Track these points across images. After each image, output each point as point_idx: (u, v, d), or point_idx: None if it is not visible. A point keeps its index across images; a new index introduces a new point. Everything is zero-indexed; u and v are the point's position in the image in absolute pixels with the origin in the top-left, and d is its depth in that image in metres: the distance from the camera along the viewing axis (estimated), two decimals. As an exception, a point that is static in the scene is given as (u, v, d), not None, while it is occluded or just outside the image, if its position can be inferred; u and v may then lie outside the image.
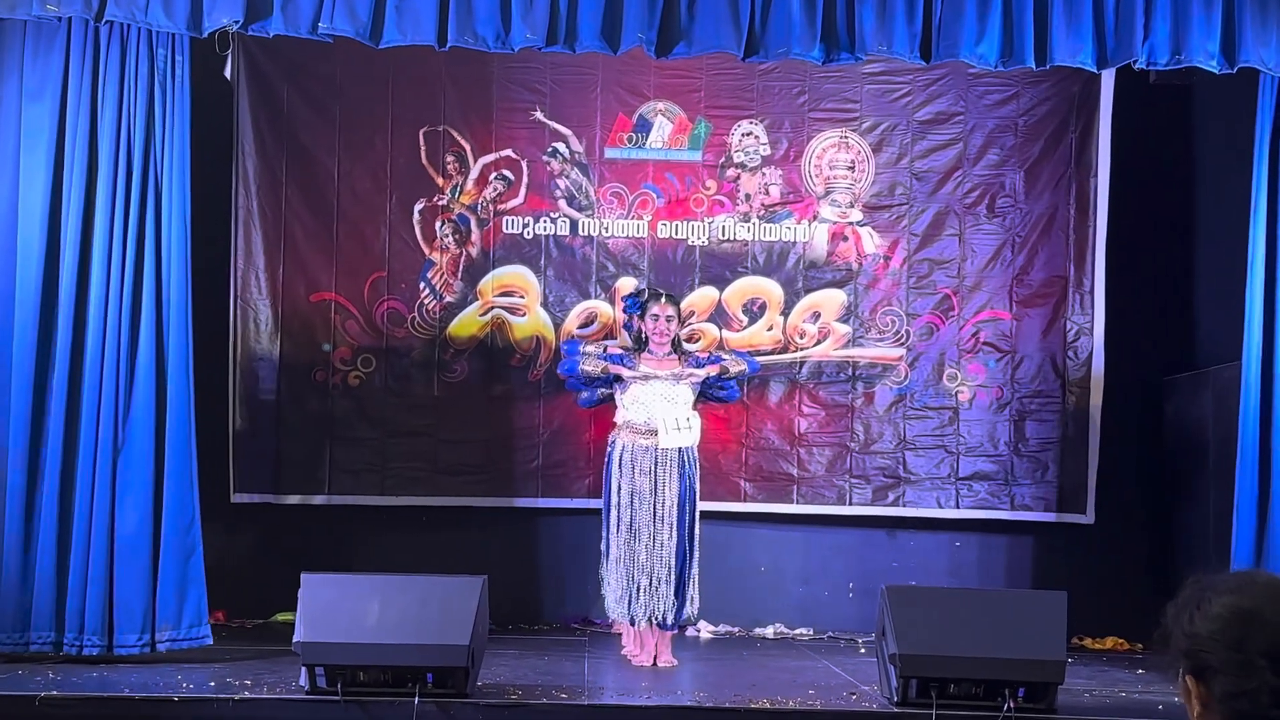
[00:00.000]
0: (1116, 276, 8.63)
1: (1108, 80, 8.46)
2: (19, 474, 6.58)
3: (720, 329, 8.68)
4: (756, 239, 8.74)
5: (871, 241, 8.76)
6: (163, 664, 6.47)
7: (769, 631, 8.55)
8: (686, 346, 7.60)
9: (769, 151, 8.75)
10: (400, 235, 8.65)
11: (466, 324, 8.67)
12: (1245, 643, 1.88)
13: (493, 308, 8.67)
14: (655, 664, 7.03)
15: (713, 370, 7.23)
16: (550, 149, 8.70)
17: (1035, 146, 8.71)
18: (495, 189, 8.68)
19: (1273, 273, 6.80)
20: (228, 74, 8.20)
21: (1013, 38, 6.54)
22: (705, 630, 8.39)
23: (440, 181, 8.67)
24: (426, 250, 8.66)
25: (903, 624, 5.83)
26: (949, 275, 8.73)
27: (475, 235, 8.68)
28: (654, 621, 7.04)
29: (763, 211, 8.75)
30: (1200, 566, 7.22)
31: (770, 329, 8.72)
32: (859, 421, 8.72)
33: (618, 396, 7.18)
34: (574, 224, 8.71)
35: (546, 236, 8.70)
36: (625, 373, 7.12)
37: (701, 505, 7.30)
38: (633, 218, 8.71)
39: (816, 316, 8.73)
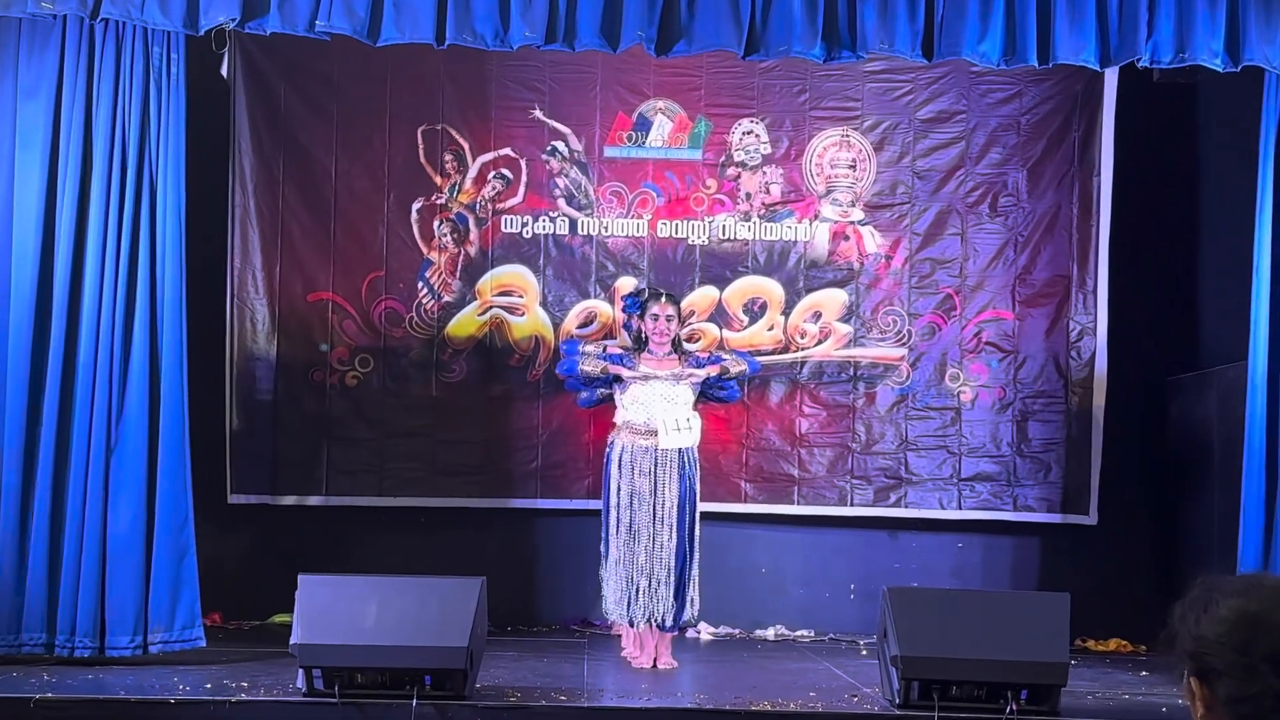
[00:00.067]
0: (1120, 276, 8.61)
1: (1111, 78, 8.43)
2: (14, 474, 6.56)
3: (721, 329, 8.65)
4: (757, 238, 8.71)
5: (873, 241, 8.72)
6: (159, 666, 6.46)
7: (770, 633, 8.52)
8: (687, 346, 7.58)
9: (770, 150, 8.72)
10: (398, 234, 8.62)
11: (465, 324, 8.64)
12: (1250, 646, 1.86)
13: (491, 307, 8.64)
14: (655, 666, 7.01)
15: (713, 370, 7.20)
16: (549, 148, 8.66)
17: (1038, 145, 8.68)
18: (494, 188, 8.65)
19: (1279, 272, 6.75)
20: (224, 72, 8.20)
21: (1015, 36, 6.53)
22: (705, 632, 8.37)
23: (438, 180, 8.64)
24: (425, 249, 8.63)
25: (904, 626, 5.81)
26: (951, 275, 8.70)
27: (474, 234, 8.65)
28: (654, 623, 7.01)
29: (763, 211, 8.72)
30: (1204, 568, 7.26)
31: (771, 329, 8.69)
32: (860, 422, 8.68)
33: (617, 397, 7.15)
34: (573, 223, 8.68)
35: (545, 236, 8.67)
36: (625, 373, 7.09)
37: (702, 506, 7.27)
38: (632, 217, 8.68)
39: (818, 316, 8.70)
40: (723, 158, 8.71)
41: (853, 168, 8.72)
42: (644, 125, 8.70)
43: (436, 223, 8.63)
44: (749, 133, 8.71)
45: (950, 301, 8.71)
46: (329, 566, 6.88)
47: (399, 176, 8.63)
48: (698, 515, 7.15)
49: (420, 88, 8.60)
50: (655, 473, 7.01)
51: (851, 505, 8.67)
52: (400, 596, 5.84)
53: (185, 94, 6.79)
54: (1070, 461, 8.60)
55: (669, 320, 7.15)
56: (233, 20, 6.35)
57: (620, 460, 7.04)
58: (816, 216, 8.74)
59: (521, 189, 8.66)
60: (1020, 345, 8.68)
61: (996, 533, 8.71)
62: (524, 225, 8.66)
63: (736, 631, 8.52)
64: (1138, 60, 6.60)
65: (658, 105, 8.70)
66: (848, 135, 8.73)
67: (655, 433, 7.01)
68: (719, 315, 8.67)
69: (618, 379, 7.12)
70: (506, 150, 8.67)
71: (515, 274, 8.66)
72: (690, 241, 8.70)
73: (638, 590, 6.97)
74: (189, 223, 6.85)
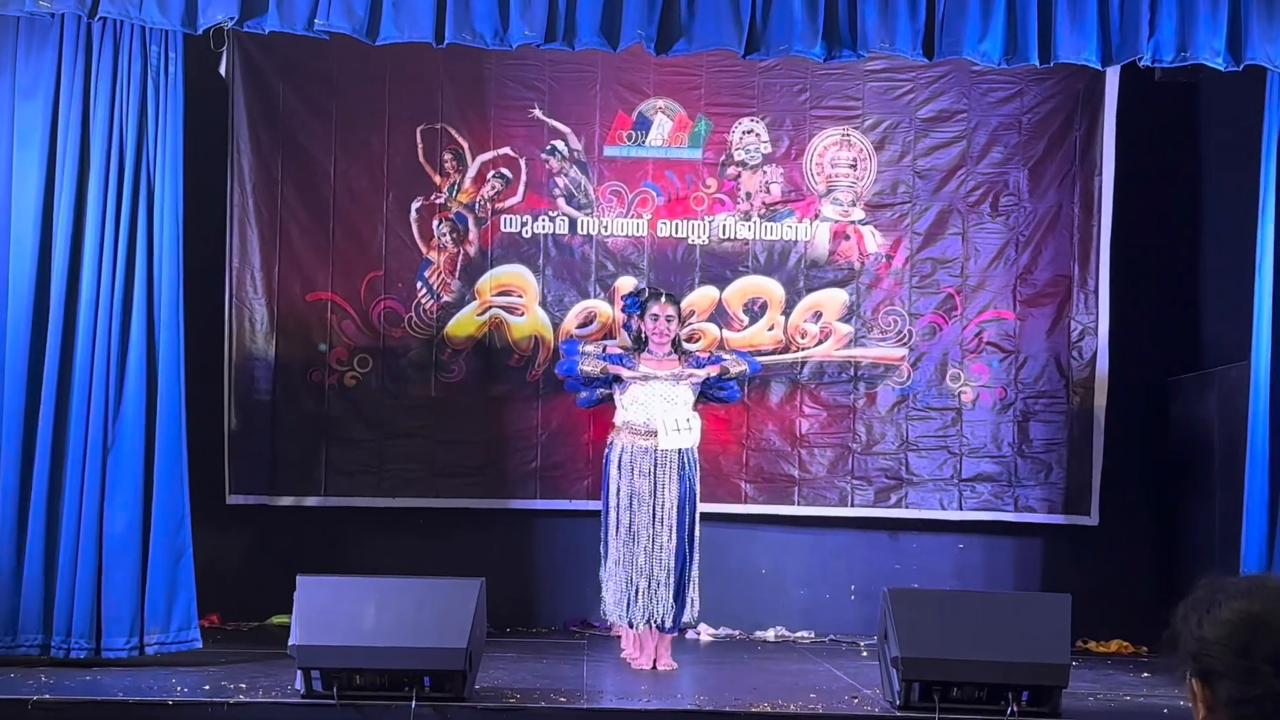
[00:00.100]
0: (1121, 276, 8.59)
1: (1113, 77, 8.42)
2: (10, 475, 6.54)
3: (721, 329, 8.63)
4: (757, 238, 8.69)
5: (874, 240, 8.70)
6: (156, 667, 6.44)
7: (770, 634, 8.51)
8: (687, 346, 7.57)
9: (770, 149, 8.70)
10: (397, 234, 8.60)
11: (464, 324, 8.61)
12: (1252, 648, 1.85)
13: (491, 307, 8.62)
14: (655, 667, 7.00)
15: (713, 371, 7.18)
16: (549, 147, 8.64)
17: (1039, 144, 8.66)
18: (493, 187, 8.62)
19: (1281, 272, 6.75)
20: (223, 71, 8.18)
21: (1016, 34, 6.51)
22: (705, 633, 8.36)
23: (438, 180, 8.62)
24: (424, 249, 8.61)
25: (905, 627, 5.80)
26: (952, 274, 8.68)
27: (473, 234, 8.62)
28: (653, 624, 6.99)
29: (764, 210, 8.70)
30: (1206, 569, 7.23)
31: (771, 329, 8.67)
32: (861, 422, 8.66)
33: (617, 397, 7.13)
34: (573, 223, 8.65)
35: (545, 235, 8.65)
36: (624, 373, 7.08)
37: (702, 507, 7.26)
38: (632, 216, 8.66)
39: (818, 316, 8.68)
40: (723, 157, 8.69)
41: (853, 167, 8.71)
42: (644, 124, 8.68)
43: (436, 222, 8.61)
44: (749, 132, 8.69)
45: (951, 301, 8.69)
46: (327, 567, 6.84)
47: (398, 176, 8.61)
48: (698, 516, 7.13)
49: (419, 87, 8.59)
50: (655, 473, 6.99)
51: (852, 506, 8.65)
52: (399, 598, 5.83)
53: (183, 93, 6.77)
54: (1071, 462, 8.58)
55: (669, 320, 7.13)
56: (231, 19, 6.33)
57: (620, 461, 7.02)
58: (817, 216, 8.72)
59: (521, 188, 8.64)
60: (1021, 345, 8.66)
61: (997, 534, 8.69)
62: (523, 225, 8.64)
63: (736, 633, 8.50)
64: (1139, 59, 6.59)
65: (658, 104, 8.68)
66: (848, 134, 8.71)
67: (655, 433, 6.99)
68: (719, 315, 8.65)
69: (617, 379, 7.10)
70: (506, 149, 8.65)
71: (515, 274, 8.63)
72: (690, 241, 8.68)
73: (637, 591, 6.96)
74: (187, 222, 6.83)
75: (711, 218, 8.68)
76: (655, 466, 6.99)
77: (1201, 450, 8.21)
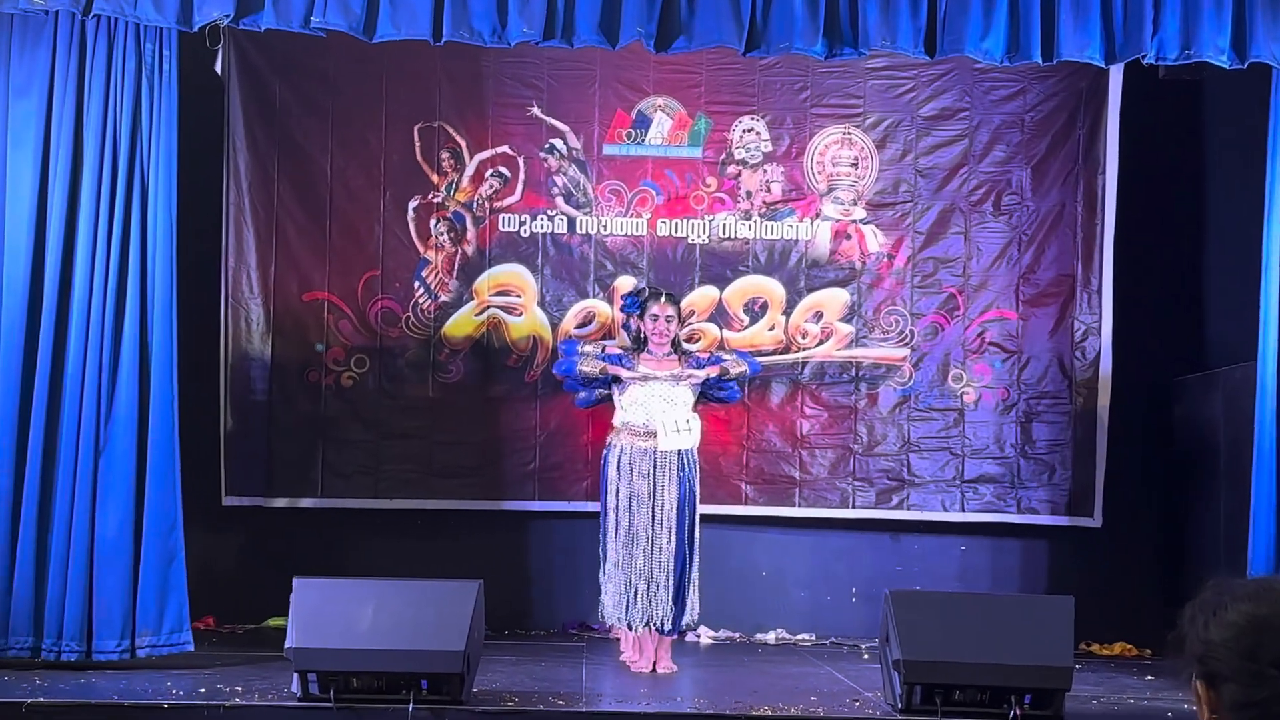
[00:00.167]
0: (1125, 275, 8.57)
1: (1116, 75, 8.39)
2: (4, 476, 6.52)
3: (721, 329, 8.59)
4: (758, 237, 8.65)
5: (875, 240, 8.67)
6: (152, 670, 6.42)
7: (770, 637, 8.49)
8: (686, 347, 7.54)
9: (770, 148, 8.67)
10: (394, 233, 8.56)
11: (462, 324, 8.58)
12: (1258, 652, 1.82)
13: (489, 307, 8.58)
14: (654, 670, 6.98)
15: (713, 371, 7.16)
16: (547, 145, 8.60)
17: (1042, 143, 8.63)
18: (491, 186, 8.59)
19: (1287, 271, 6.71)
20: (218, 69, 8.14)
21: (1019, 32, 6.49)
22: (705, 636, 8.35)
23: (435, 178, 8.58)
24: (421, 248, 8.57)
25: (907, 629, 5.78)
26: (954, 274, 8.65)
27: (471, 233, 8.59)
28: (653, 627, 6.96)
29: (764, 209, 8.66)
30: (1210, 571, 7.19)
31: (772, 329, 8.63)
32: (862, 423, 8.63)
33: (616, 398, 7.10)
34: (572, 222, 8.62)
35: (544, 235, 8.61)
36: (624, 374, 7.05)
37: (702, 508, 7.24)
38: (632, 215, 8.62)
39: (819, 316, 8.64)
40: (723, 156, 8.66)
41: (854, 166, 8.67)
42: (643, 123, 8.64)
43: (433, 221, 8.57)
44: (749, 130, 8.65)
45: (953, 301, 8.65)
46: (324, 569, 6.85)
47: (395, 175, 8.58)
48: (697, 518, 7.11)
49: (417, 85, 8.55)
50: (654, 475, 6.96)
51: (853, 507, 8.62)
52: (396, 600, 5.81)
53: (178, 91, 6.75)
54: (1075, 463, 8.55)
55: (669, 320, 7.10)
56: (227, 16, 6.30)
57: (619, 462, 6.99)
58: (818, 215, 8.68)
59: (519, 187, 8.60)
60: (1024, 345, 8.62)
61: (1000, 535, 8.66)
62: (522, 224, 8.60)
63: (737, 635, 8.48)
64: (1143, 57, 6.56)
65: (657, 102, 8.65)
66: (849, 133, 8.67)
67: (654, 434, 6.96)
68: (719, 315, 8.61)
69: (616, 380, 7.07)
70: (504, 148, 8.61)
71: (513, 273, 8.60)
72: (690, 240, 8.64)
73: (636, 594, 6.94)
74: (183, 221, 6.82)
75: (711, 217, 8.65)
76: (655, 468, 6.96)
77: (1206, 451, 8.18)
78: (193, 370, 7.40)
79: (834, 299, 8.66)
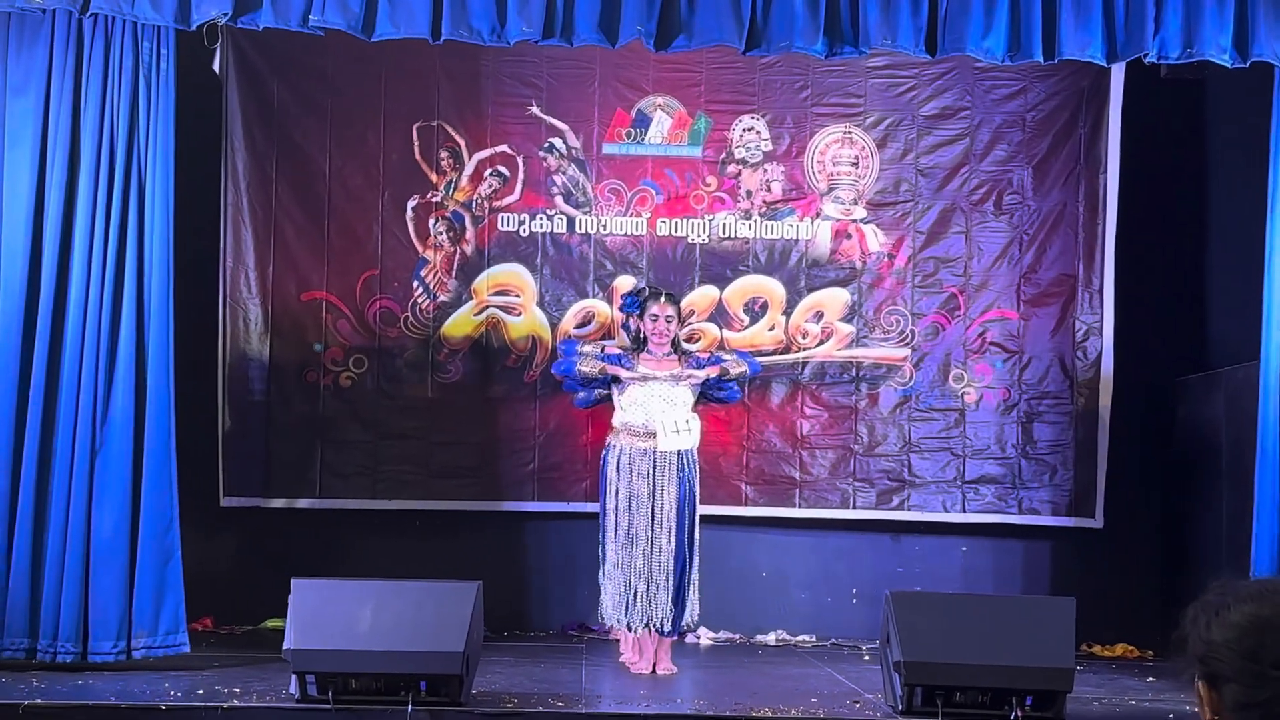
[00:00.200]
0: (1127, 275, 8.55)
1: (1118, 74, 8.37)
2: (2, 478, 6.50)
3: (721, 329, 8.57)
4: (758, 237, 8.63)
5: (876, 239, 8.64)
6: (149, 671, 6.41)
7: (771, 638, 8.47)
8: (686, 347, 7.52)
9: (771, 147, 8.64)
10: (393, 233, 8.54)
11: (461, 324, 8.55)
12: (1260, 653, 1.83)
13: (488, 307, 8.56)
14: (654, 671, 6.96)
15: (713, 372, 7.14)
16: (547, 144, 8.58)
17: (1043, 142, 8.61)
18: (490, 185, 8.56)
19: (1292, 271, 6.69)
20: (216, 68, 8.12)
21: (1020, 31, 6.48)
22: (705, 637, 8.33)
23: (434, 178, 8.56)
24: (420, 248, 8.55)
25: (907, 630, 5.77)
26: (955, 274, 8.63)
27: (470, 233, 8.57)
28: (653, 628, 6.94)
29: (764, 209, 8.64)
30: (1212, 572, 7.16)
31: (772, 329, 8.60)
32: (863, 423, 8.60)
33: (615, 398, 7.08)
34: (571, 221, 8.59)
35: (543, 234, 8.59)
36: (623, 374, 7.03)
37: (701, 509, 7.22)
38: (631, 215, 8.60)
39: (819, 316, 8.62)
40: (723, 155, 8.63)
41: (855, 165, 8.64)
42: (643, 122, 8.62)
43: (432, 221, 8.55)
44: (749, 129, 8.63)
45: (954, 301, 8.63)
46: (322, 570, 6.88)
47: (394, 174, 8.55)
48: (697, 518, 7.09)
49: (415, 84, 8.53)
50: (654, 475, 6.94)
51: (854, 508, 8.60)
52: (395, 601, 5.80)
53: (175, 90, 6.72)
54: (1076, 464, 8.53)
55: (668, 320, 7.08)
56: (225, 15, 6.28)
57: (618, 463, 6.97)
58: (818, 214, 8.66)
59: (518, 187, 8.58)
60: (1025, 345, 8.60)
61: (1001, 536, 8.64)
62: (521, 223, 8.58)
63: (737, 636, 8.46)
64: (1145, 56, 6.54)
65: (657, 101, 8.62)
66: (850, 132, 8.65)
67: (654, 435, 6.94)
68: (719, 315, 8.59)
69: (616, 380, 7.04)
70: (503, 147, 8.59)
71: (512, 273, 8.58)
72: (690, 240, 8.62)
73: (636, 595, 6.92)
74: (180, 221, 6.80)
75: (711, 216, 8.62)
76: (654, 468, 6.94)
77: (1208, 452, 8.16)
78: (190, 370, 7.38)
79: (834, 299, 8.63)
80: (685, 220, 8.61)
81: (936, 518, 8.58)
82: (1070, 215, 8.58)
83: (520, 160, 8.58)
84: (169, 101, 6.67)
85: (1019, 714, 5.64)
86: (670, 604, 6.92)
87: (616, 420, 7.07)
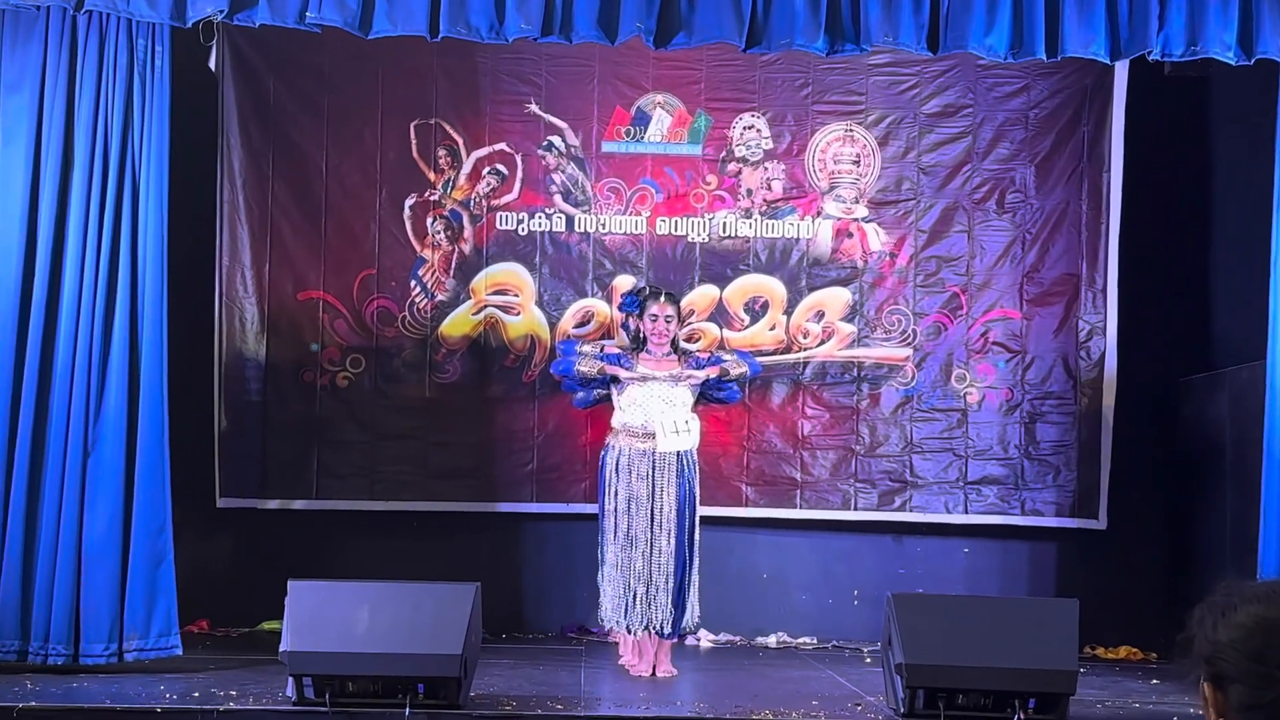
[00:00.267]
0: (1130, 274, 8.53)
1: (1121, 72, 8.35)
2: (-1, 479, 6.46)
3: (721, 328, 8.54)
4: (758, 235, 8.60)
5: (877, 238, 8.61)
6: (144, 674, 6.38)
7: (771, 640, 8.44)
8: (686, 347, 7.50)
9: (771, 145, 8.61)
10: (390, 231, 8.51)
11: (459, 323, 8.52)
12: (1266, 654, 1.83)
13: (486, 306, 8.53)
14: (654, 674, 6.95)
15: (713, 372, 7.12)
16: (545, 143, 8.55)
17: (1046, 140, 8.58)
18: (489, 184, 8.53)
19: (1294, 270, 6.65)
20: (212, 65, 8.10)
21: (1023, 28, 6.45)
22: (706, 639, 8.32)
23: (432, 176, 8.53)
24: (418, 247, 8.51)
25: (909, 633, 5.75)
26: (957, 273, 8.59)
27: (468, 231, 8.53)
28: (652, 630, 6.91)
29: (765, 207, 8.60)
30: (1217, 573, 7.11)
31: (773, 328, 8.57)
32: (864, 424, 8.57)
33: (615, 398, 7.05)
34: (570, 220, 8.56)
35: (541, 233, 8.55)
36: (622, 374, 7.00)
37: (701, 510, 7.21)
38: (631, 214, 8.56)
39: (820, 316, 8.58)
40: (723, 153, 8.60)
41: (856, 163, 8.61)
42: (642, 120, 8.58)
43: (430, 220, 8.51)
44: (750, 127, 8.59)
45: (956, 300, 8.59)
46: (319, 572, 6.87)
47: (391, 172, 8.52)
48: (697, 520, 7.07)
49: (413, 81, 8.50)
50: (653, 476, 6.91)
51: (855, 509, 8.57)
52: (393, 603, 5.78)
53: (170, 88, 6.71)
54: (1079, 464, 8.51)
55: (668, 320, 7.05)
56: (221, 12, 6.25)
57: (617, 464, 6.95)
58: (819, 213, 8.62)
59: (517, 185, 8.55)
60: (1028, 345, 8.57)
61: (1004, 537, 8.62)
62: (519, 222, 8.55)
63: (737, 638, 8.44)
64: (1148, 53, 6.50)
65: (656, 99, 8.59)
66: (851, 130, 8.61)
67: (653, 435, 6.92)
68: (719, 314, 8.56)
69: (615, 380, 7.01)
70: (501, 145, 8.56)
71: (510, 272, 8.54)
72: (690, 239, 8.58)
73: (635, 597, 6.90)
74: (176, 219, 6.78)
75: (711, 215, 8.59)
76: (654, 469, 6.91)
77: (1212, 452, 8.14)
78: (186, 370, 7.35)
79: (835, 298, 8.60)
80: (685, 219, 8.58)
81: (938, 519, 8.55)
82: (1073, 214, 8.55)
83: (519, 159, 8.55)
84: (164, 99, 6.65)
85: (1022, 717, 5.62)
86: (670, 606, 6.89)
87: (616, 421, 7.04)
